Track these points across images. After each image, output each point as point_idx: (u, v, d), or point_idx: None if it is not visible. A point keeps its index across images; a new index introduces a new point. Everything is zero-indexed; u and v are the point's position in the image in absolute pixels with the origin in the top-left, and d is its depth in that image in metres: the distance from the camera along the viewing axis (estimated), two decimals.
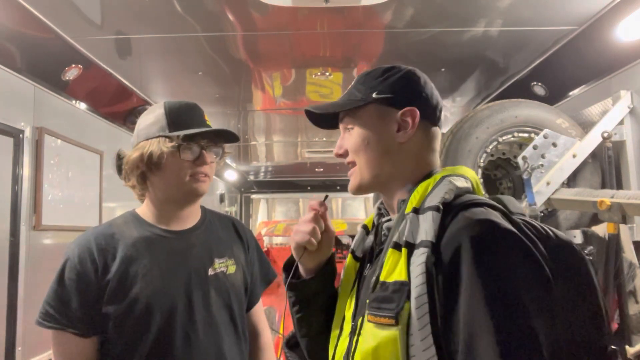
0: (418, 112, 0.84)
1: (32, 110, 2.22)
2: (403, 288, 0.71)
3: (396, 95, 0.85)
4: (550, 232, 0.76)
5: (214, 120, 1.27)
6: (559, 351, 0.65)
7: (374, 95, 0.85)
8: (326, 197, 0.94)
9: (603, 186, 2.17)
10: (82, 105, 2.66)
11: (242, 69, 2.60)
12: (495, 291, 0.64)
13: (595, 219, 2.05)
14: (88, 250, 1.15)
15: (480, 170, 2.23)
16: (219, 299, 1.22)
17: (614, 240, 1.87)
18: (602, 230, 1.95)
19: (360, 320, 0.77)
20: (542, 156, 2.11)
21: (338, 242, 5.77)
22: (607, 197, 1.78)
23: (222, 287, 1.23)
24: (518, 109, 2.26)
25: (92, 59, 2.34)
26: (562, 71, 2.46)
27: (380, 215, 0.92)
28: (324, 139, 4.44)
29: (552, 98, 2.59)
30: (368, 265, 0.90)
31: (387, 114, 0.85)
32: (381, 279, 0.75)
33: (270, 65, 2.59)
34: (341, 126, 0.91)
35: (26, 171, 2.14)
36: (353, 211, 8.03)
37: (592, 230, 2.04)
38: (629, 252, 1.86)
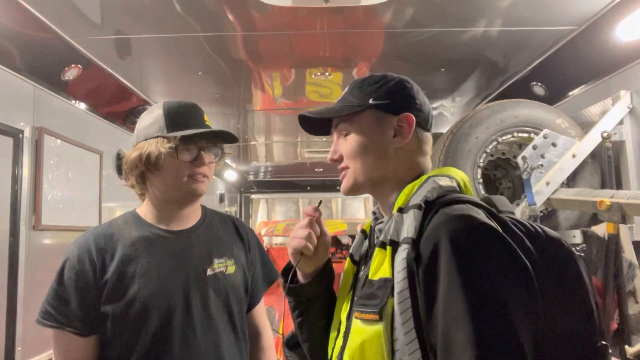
0: (414, 118, 0.86)
1: (32, 110, 2.22)
2: (387, 284, 0.73)
3: (392, 101, 0.87)
4: (539, 229, 0.77)
5: (214, 120, 1.27)
6: (544, 344, 0.66)
7: (370, 101, 0.87)
8: (320, 202, 0.96)
9: (603, 186, 2.18)
10: (82, 105, 2.66)
11: (242, 69, 2.60)
12: (472, 284, 0.65)
13: (595, 219, 2.05)
14: (87, 250, 1.15)
15: (480, 170, 2.24)
16: (218, 299, 1.21)
17: (614, 240, 1.87)
18: (601, 230, 1.95)
19: (351, 318, 0.79)
20: (542, 156, 2.11)
21: (338, 242, 5.78)
22: (606, 197, 1.78)
23: (221, 287, 1.22)
24: (518, 109, 2.26)
25: (92, 59, 2.34)
26: (562, 71, 2.46)
27: (376, 219, 0.93)
28: (324, 139, 4.44)
29: (551, 98, 2.60)
30: (363, 267, 0.91)
31: (384, 119, 0.87)
32: (369, 277, 0.78)
33: (270, 65, 2.59)
34: (335, 132, 0.93)
35: (26, 171, 2.14)
36: (353, 211, 8.04)
37: (591, 230, 2.04)
38: (628, 252, 1.86)
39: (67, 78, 2.37)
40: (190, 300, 1.17)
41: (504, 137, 2.25)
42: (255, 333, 1.39)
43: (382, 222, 0.88)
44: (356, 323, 0.76)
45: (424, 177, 0.83)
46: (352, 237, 4.53)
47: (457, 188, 0.84)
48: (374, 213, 0.95)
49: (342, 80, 2.79)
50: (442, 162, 2.24)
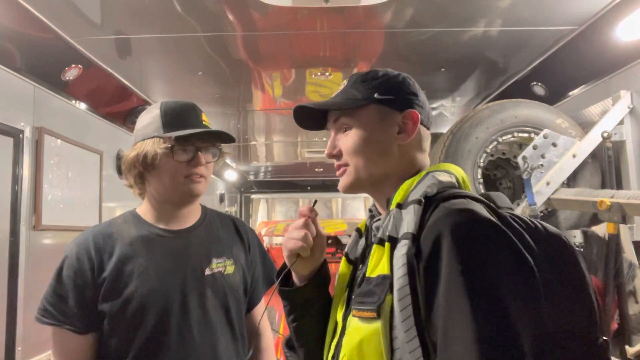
0: (419, 115, 0.85)
1: (32, 110, 2.22)
2: (385, 281, 0.71)
3: (398, 97, 0.85)
4: (539, 225, 0.76)
5: (214, 120, 1.27)
6: (545, 339, 0.65)
7: (376, 95, 0.84)
8: (315, 202, 0.94)
9: (603, 186, 2.17)
10: (82, 105, 2.66)
11: (242, 69, 2.60)
12: (473, 279, 0.64)
13: (595, 219, 2.05)
14: (86, 249, 1.16)
15: (480, 170, 2.23)
16: (215, 299, 1.21)
17: (614, 241, 1.86)
18: (602, 230, 1.94)
19: (348, 317, 0.78)
20: (542, 156, 2.11)
21: (338, 242, 5.78)
22: (607, 197, 1.78)
23: (218, 287, 1.22)
24: (518, 109, 2.26)
25: (92, 59, 2.34)
26: (562, 71, 2.46)
27: (372, 217, 0.92)
28: (324, 139, 4.44)
29: (552, 98, 2.60)
30: (360, 266, 0.90)
31: (389, 115, 0.85)
32: (367, 275, 0.76)
33: (270, 65, 2.59)
34: (333, 127, 0.90)
35: (26, 171, 2.14)
36: (353, 211, 8.04)
37: (592, 230, 2.04)
38: (629, 252, 1.85)
39: (67, 78, 2.37)
40: (187, 299, 1.17)
41: (504, 137, 2.24)
42: (254, 333, 1.39)
43: (379, 219, 0.87)
44: (353, 321, 0.74)
45: (422, 173, 0.82)
46: None
47: (456, 184, 0.83)
48: (370, 211, 0.93)
49: (342, 80, 2.79)
50: (443, 162, 2.23)
